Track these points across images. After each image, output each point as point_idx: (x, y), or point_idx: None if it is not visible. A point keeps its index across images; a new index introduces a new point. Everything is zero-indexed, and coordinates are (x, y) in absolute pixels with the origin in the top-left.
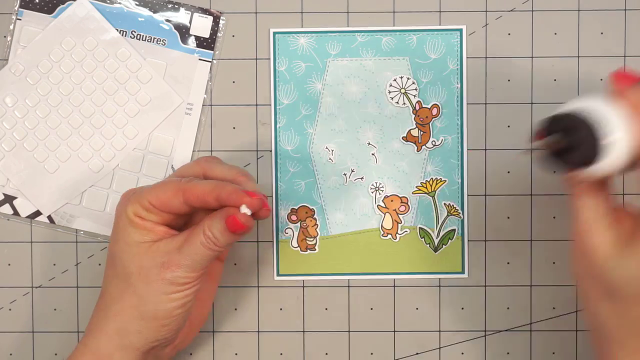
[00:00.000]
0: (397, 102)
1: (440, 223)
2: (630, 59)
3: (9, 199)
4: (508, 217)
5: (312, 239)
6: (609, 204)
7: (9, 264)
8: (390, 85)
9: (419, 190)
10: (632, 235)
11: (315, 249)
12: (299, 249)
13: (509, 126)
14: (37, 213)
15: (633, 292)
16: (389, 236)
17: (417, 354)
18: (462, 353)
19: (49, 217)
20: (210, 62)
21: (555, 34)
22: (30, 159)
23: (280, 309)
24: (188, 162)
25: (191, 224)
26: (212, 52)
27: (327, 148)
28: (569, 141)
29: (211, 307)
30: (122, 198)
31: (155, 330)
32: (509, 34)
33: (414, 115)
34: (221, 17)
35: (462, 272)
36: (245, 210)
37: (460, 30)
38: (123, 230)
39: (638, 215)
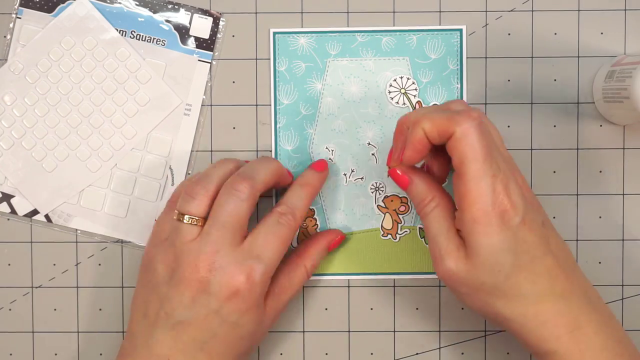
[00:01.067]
0: (397, 102)
1: None
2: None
3: (6, 197)
4: None
5: None
6: (451, 224)
7: (9, 264)
8: (390, 86)
9: None
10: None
11: None
12: None
13: (509, 126)
14: (35, 212)
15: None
16: (389, 236)
17: (417, 354)
18: (462, 353)
19: (46, 216)
20: (209, 63)
21: (555, 34)
22: (28, 157)
23: None
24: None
25: None
26: (211, 53)
27: (327, 148)
28: None
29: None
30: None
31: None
32: (509, 34)
33: None
34: (221, 18)
35: None
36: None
37: (460, 30)
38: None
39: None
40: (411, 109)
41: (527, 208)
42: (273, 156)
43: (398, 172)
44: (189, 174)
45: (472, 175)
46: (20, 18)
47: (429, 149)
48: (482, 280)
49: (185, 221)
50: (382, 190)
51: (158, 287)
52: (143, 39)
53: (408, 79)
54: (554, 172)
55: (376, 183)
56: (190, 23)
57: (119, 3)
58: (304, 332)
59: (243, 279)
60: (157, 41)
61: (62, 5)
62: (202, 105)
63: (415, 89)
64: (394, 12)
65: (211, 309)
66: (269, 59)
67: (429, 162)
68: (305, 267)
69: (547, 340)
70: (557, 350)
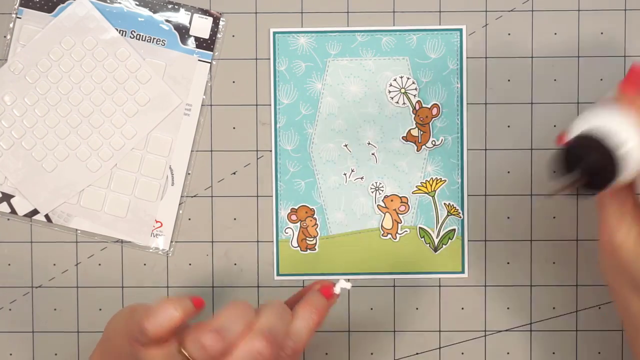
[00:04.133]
0: (397, 102)
1: (440, 223)
2: (630, 59)
3: (6, 197)
4: (508, 217)
5: (312, 239)
6: (632, 203)
7: (9, 264)
8: (390, 85)
9: (419, 190)
10: None
11: (315, 249)
12: (299, 248)
13: (509, 126)
14: (35, 212)
15: None
16: (389, 236)
17: (417, 354)
18: (462, 353)
19: (46, 216)
20: (209, 63)
21: (555, 34)
22: (28, 157)
23: None
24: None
25: None
26: (211, 53)
27: (327, 148)
28: (588, 173)
29: None
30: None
31: None
32: (509, 34)
33: (414, 115)
34: (221, 19)
35: (462, 272)
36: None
37: (460, 30)
38: None
39: None
40: (411, 109)
41: None
42: (273, 156)
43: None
44: (189, 174)
45: None
46: (20, 18)
47: None
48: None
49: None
50: (382, 190)
51: None
52: (143, 39)
53: (408, 78)
54: (554, 172)
55: (376, 183)
56: (190, 23)
57: (119, 3)
58: None
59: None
60: (157, 41)
61: (62, 5)
62: (202, 105)
63: (415, 89)
64: (394, 12)
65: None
66: (269, 58)
67: None
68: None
69: None
70: None
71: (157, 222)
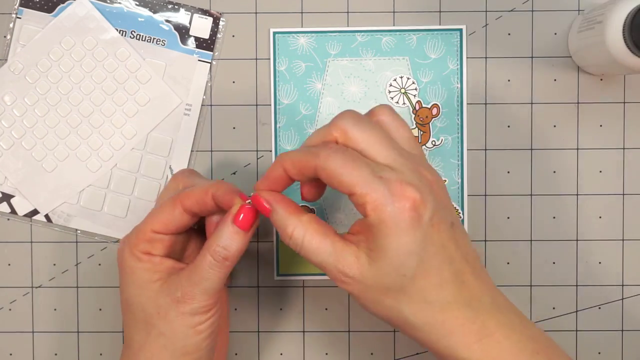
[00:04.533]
0: (397, 102)
1: None
2: None
3: (6, 197)
4: (508, 217)
5: None
6: (330, 230)
7: (9, 264)
8: (390, 85)
9: None
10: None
11: None
12: None
13: (509, 126)
14: (35, 212)
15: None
16: None
17: (417, 354)
18: None
19: (46, 216)
20: (209, 63)
21: (555, 34)
22: (28, 157)
23: (280, 309)
24: (165, 186)
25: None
26: (211, 53)
27: None
28: None
29: (229, 330)
30: (120, 244)
31: None
32: (509, 34)
33: (413, 115)
34: (221, 19)
35: None
36: (245, 202)
37: (460, 30)
38: (131, 274)
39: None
40: (411, 109)
41: (437, 205)
42: (273, 156)
43: (260, 198)
44: None
45: (359, 189)
46: (20, 18)
47: (288, 185)
48: (388, 285)
49: None
50: None
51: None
52: (143, 39)
53: (408, 78)
54: (554, 172)
55: None
56: (190, 23)
57: (119, 3)
58: (304, 332)
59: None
60: (157, 41)
61: (62, 5)
62: (202, 105)
63: (415, 89)
64: (394, 12)
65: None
66: (269, 58)
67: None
68: (207, 250)
69: (456, 349)
70: (469, 358)
71: None
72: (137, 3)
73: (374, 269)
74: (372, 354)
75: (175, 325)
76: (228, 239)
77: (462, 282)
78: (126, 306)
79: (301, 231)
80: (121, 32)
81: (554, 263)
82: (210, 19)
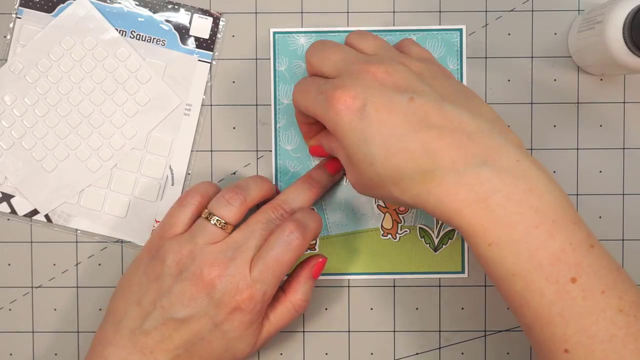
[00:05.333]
0: None
1: (440, 223)
2: None
3: (6, 197)
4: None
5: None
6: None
7: (9, 264)
8: None
9: None
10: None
11: (315, 249)
12: None
13: (509, 126)
14: (35, 212)
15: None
16: (389, 236)
17: (417, 354)
18: (462, 353)
19: (46, 216)
20: (209, 63)
21: (555, 34)
22: (28, 157)
23: None
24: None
25: None
26: (211, 53)
27: None
28: None
29: None
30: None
31: None
32: (509, 34)
33: None
34: (221, 19)
35: (462, 271)
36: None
37: (460, 30)
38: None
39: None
40: None
41: (375, 91)
42: (273, 156)
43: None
44: (189, 174)
45: (312, 111)
46: (20, 18)
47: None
48: (368, 176)
49: (213, 222)
50: None
51: (162, 278)
52: (143, 39)
53: None
54: (554, 172)
55: None
56: (190, 23)
57: (119, 3)
58: (304, 332)
59: (245, 296)
60: (157, 41)
61: (62, 5)
62: (202, 105)
63: None
64: (393, 12)
65: (208, 314)
66: (269, 58)
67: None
68: (291, 302)
69: (450, 216)
70: (461, 225)
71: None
72: (137, 3)
73: (352, 168)
74: (372, 354)
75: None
76: (309, 292)
77: (436, 150)
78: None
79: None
80: (121, 32)
81: None
82: (210, 19)
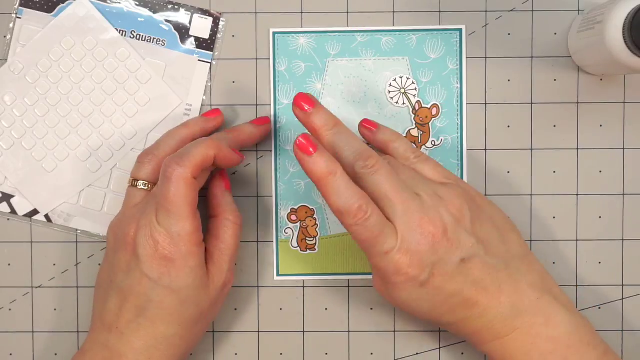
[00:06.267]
0: (397, 102)
1: None
2: None
3: (6, 197)
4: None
5: (312, 239)
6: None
7: (9, 264)
8: (390, 85)
9: None
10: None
11: (315, 249)
12: (298, 249)
13: (509, 126)
14: (35, 212)
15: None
16: None
17: (417, 354)
18: (462, 353)
19: (46, 216)
20: (209, 63)
21: (555, 34)
22: (28, 157)
23: (280, 309)
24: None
25: None
26: (211, 53)
27: None
28: None
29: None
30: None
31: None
32: (509, 34)
33: (413, 115)
34: (221, 19)
35: None
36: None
37: (460, 30)
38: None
39: None
40: (411, 109)
41: (437, 259)
42: (273, 156)
43: None
44: None
45: (370, 260)
46: (20, 18)
47: None
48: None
49: (139, 187)
50: None
51: (107, 254)
52: (143, 39)
53: (408, 78)
54: (554, 172)
55: None
56: (190, 23)
57: (119, 3)
58: (304, 332)
59: (161, 242)
60: (157, 41)
61: (62, 5)
62: (202, 105)
63: (415, 89)
64: (394, 12)
65: (142, 272)
66: (269, 59)
67: None
68: (227, 220)
69: (475, 346)
70: (485, 353)
71: None
72: (137, 3)
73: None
74: (372, 354)
75: (219, 306)
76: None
77: (472, 303)
78: (165, 307)
79: None
80: (121, 32)
81: (554, 263)
82: (210, 19)
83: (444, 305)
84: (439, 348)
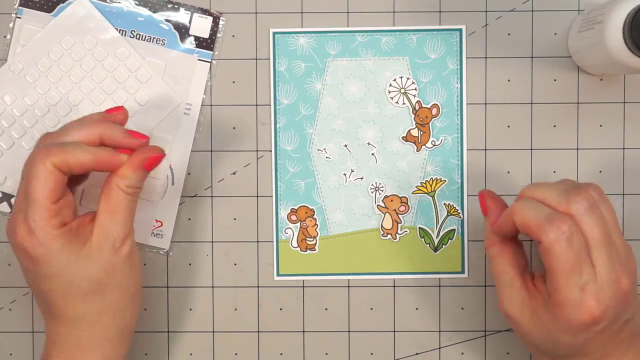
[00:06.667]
0: (397, 102)
1: (440, 223)
2: None
3: (6, 197)
4: None
5: (312, 239)
6: (520, 271)
7: (9, 264)
8: (390, 85)
9: (419, 190)
10: (542, 307)
11: (315, 249)
12: (298, 249)
13: (509, 126)
14: None
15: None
16: (389, 236)
17: (417, 354)
18: (462, 353)
19: None
20: (209, 62)
21: (555, 34)
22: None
23: (280, 309)
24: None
25: None
26: (211, 52)
27: (326, 148)
28: None
29: None
30: (18, 237)
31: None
32: (509, 34)
33: (413, 115)
34: (221, 18)
35: (462, 272)
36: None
37: (460, 30)
38: (57, 256)
39: (543, 289)
40: (411, 109)
41: (616, 313)
42: (273, 156)
43: (486, 199)
44: (189, 174)
45: (560, 284)
46: (20, 18)
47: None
48: (537, 344)
49: None
50: (382, 190)
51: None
52: (143, 39)
53: (408, 78)
54: (554, 172)
55: (376, 183)
56: (190, 22)
57: (119, 3)
58: (304, 332)
59: (20, 233)
60: (156, 41)
61: (61, 4)
62: (202, 105)
63: (415, 89)
64: (394, 12)
65: (28, 269)
66: (269, 58)
67: None
68: (118, 186)
69: None
70: None
71: (157, 221)
72: (137, 2)
73: (533, 322)
74: (372, 354)
75: (124, 271)
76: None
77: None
78: (55, 292)
79: (496, 250)
80: (121, 31)
81: None
82: (210, 19)
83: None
84: (439, 348)
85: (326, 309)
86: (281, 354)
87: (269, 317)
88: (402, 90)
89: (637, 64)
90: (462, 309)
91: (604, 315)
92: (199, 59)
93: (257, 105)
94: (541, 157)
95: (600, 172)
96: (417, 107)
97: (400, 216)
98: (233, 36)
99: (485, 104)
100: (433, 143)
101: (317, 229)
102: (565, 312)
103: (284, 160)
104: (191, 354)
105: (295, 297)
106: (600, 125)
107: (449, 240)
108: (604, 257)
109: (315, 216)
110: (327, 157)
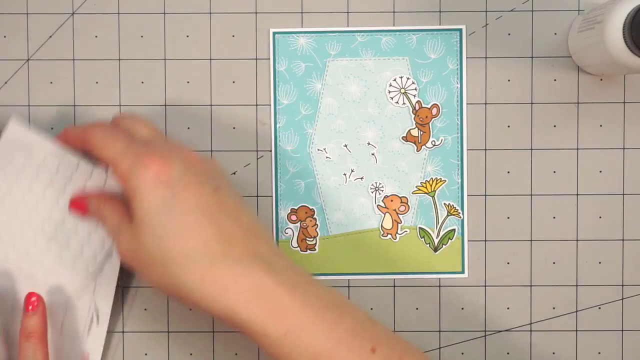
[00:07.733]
0: (397, 102)
1: (440, 223)
2: None
3: None
4: (508, 217)
5: (312, 239)
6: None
7: None
8: (390, 85)
9: (419, 190)
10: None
11: (315, 249)
12: (298, 249)
13: (508, 126)
14: None
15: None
16: (389, 236)
17: None
18: (462, 353)
19: None
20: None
21: (555, 34)
22: None
23: None
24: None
25: None
26: None
27: (326, 148)
28: None
29: None
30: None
31: None
32: (509, 34)
33: (413, 115)
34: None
35: (462, 272)
36: None
37: (460, 30)
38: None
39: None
40: (411, 109)
41: (189, 170)
42: (273, 156)
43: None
44: None
45: (113, 161)
46: None
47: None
48: (150, 249)
49: None
50: (382, 190)
51: None
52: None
53: (408, 78)
54: (554, 172)
55: (376, 183)
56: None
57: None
58: None
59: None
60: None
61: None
62: (201, 105)
63: (415, 89)
64: (394, 12)
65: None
66: (269, 59)
67: None
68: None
69: (235, 309)
70: (249, 319)
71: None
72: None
73: (132, 234)
74: None
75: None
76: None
77: (230, 240)
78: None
79: (101, 204)
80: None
81: (554, 263)
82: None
83: (193, 231)
84: (439, 348)
85: None
86: None
87: None
88: (402, 90)
89: (637, 64)
90: (462, 309)
91: (165, 160)
92: None
93: (257, 105)
94: (541, 157)
95: (600, 172)
96: (417, 107)
97: (400, 216)
98: (233, 36)
99: (485, 104)
100: (433, 143)
101: (317, 229)
102: (128, 182)
103: (284, 160)
104: (191, 354)
105: None
106: (600, 125)
107: (449, 240)
108: (154, 133)
109: (315, 216)
110: (327, 157)
